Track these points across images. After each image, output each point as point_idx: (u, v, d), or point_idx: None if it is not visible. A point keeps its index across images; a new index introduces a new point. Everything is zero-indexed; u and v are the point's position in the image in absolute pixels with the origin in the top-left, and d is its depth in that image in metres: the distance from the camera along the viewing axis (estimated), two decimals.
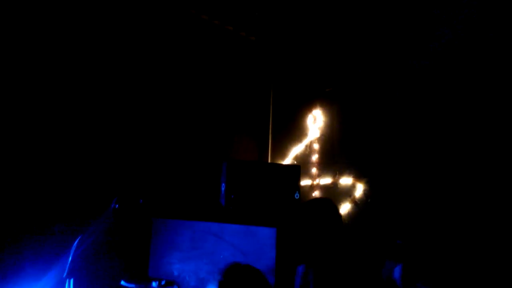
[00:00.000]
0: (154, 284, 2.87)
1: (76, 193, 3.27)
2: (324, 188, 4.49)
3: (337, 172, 4.42)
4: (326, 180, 4.49)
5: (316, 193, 4.51)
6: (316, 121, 4.70)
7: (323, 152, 4.59)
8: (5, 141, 3.03)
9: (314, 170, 4.58)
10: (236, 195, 3.14)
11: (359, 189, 4.25)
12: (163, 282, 2.85)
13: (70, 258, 2.71)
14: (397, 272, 2.55)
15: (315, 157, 4.62)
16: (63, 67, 3.38)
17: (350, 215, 4.22)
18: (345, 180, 4.35)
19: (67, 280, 2.67)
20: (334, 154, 4.51)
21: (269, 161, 4.99)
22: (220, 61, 4.54)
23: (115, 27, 3.67)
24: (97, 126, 3.52)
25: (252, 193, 3.20)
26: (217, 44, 4.53)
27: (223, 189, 3.18)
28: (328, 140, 4.57)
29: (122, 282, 2.79)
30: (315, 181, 4.55)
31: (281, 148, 4.98)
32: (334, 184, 4.41)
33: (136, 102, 3.79)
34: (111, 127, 3.60)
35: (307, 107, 4.76)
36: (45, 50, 3.28)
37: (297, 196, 3.29)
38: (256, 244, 2.76)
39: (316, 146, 4.64)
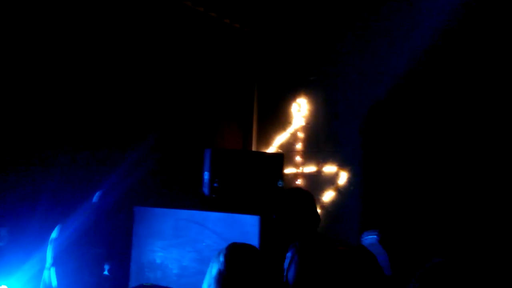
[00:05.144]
0: None
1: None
2: (308, 176, 4.51)
3: (321, 160, 4.44)
4: (310, 168, 4.51)
5: (300, 181, 4.53)
6: (300, 110, 4.69)
7: (307, 141, 4.60)
8: None
9: (298, 158, 4.59)
10: (219, 183, 3.13)
11: (343, 177, 4.28)
12: None
13: (52, 246, 2.65)
14: (384, 261, 2.57)
15: (299, 145, 4.63)
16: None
17: (334, 202, 4.26)
18: (329, 168, 4.38)
19: (50, 269, 2.62)
20: (319, 142, 4.52)
21: (253, 149, 4.99)
22: (202, 48, 4.49)
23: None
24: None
25: (235, 181, 3.20)
26: (200, 31, 4.47)
27: (206, 177, 3.17)
28: (313, 129, 4.58)
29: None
30: (299, 169, 4.57)
31: (266, 137, 4.98)
32: (318, 172, 4.43)
33: (116, 88, 3.73)
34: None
35: (292, 95, 4.75)
36: None
37: (280, 184, 3.30)
38: (239, 232, 2.76)
39: (300, 135, 4.64)
